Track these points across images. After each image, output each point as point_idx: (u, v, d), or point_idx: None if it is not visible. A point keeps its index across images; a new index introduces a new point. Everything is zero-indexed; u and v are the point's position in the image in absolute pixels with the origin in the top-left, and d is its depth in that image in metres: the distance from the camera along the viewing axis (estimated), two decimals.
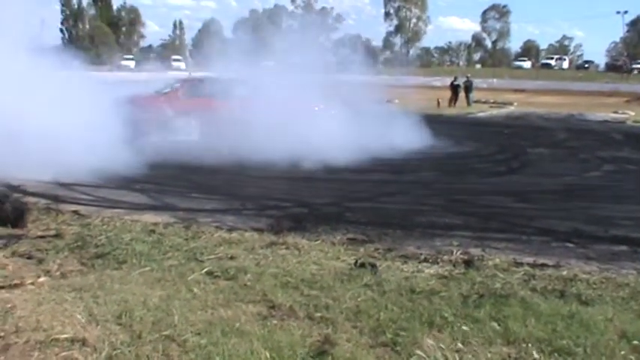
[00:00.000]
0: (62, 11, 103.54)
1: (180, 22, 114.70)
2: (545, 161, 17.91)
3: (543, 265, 7.29)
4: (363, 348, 4.72)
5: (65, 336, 4.70)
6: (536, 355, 4.67)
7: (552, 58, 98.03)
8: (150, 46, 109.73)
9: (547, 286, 6.35)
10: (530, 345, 4.83)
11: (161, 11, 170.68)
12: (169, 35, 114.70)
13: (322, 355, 4.53)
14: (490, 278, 6.55)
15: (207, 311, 5.33)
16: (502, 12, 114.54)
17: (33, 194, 10.50)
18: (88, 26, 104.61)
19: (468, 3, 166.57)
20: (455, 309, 5.53)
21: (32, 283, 5.91)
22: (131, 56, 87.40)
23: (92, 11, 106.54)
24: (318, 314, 5.34)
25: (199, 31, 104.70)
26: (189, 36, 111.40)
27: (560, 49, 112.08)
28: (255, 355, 4.46)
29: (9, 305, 5.30)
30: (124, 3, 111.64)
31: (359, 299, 5.71)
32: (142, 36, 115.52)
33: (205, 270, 6.40)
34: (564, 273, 6.92)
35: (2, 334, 4.76)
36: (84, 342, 4.62)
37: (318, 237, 8.25)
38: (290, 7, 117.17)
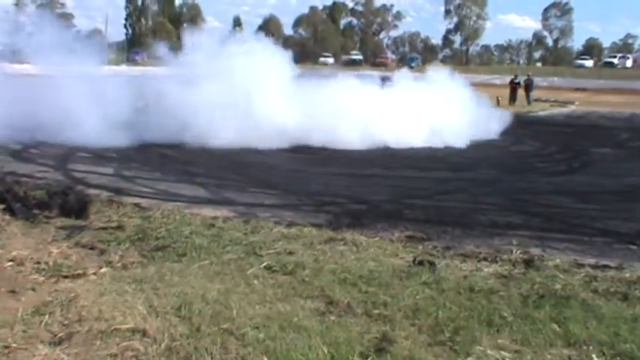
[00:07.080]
0: (126, 7, 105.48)
1: (239, 19, 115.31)
2: (607, 161, 17.59)
3: (605, 267, 7.09)
4: (421, 346, 4.69)
5: (126, 326, 4.78)
6: (597, 359, 4.59)
7: (615, 57, 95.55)
8: None
9: (609, 288, 6.19)
10: (591, 348, 4.75)
11: (221, 8, 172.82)
12: (229, 31, 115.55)
13: (380, 352, 4.52)
14: (550, 279, 6.42)
15: (266, 305, 5.36)
16: (564, 10, 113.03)
17: (96, 186, 10.67)
18: (150, 22, 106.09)
19: (528, 1, 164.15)
20: (514, 309, 5.47)
21: (94, 274, 6.02)
22: None
23: (155, 7, 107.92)
24: (377, 311, 5.33)
25: (259, 27, 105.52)
26: (249, 32, 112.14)
27: (624, 47, 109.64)
28: (313, 351, 4.47)
29: (72, 295, 5.42)
30: None
31: (417, 297, 5.67)
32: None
33: (264, 264, 6.43)
34: (627, 275, 6.71)
35: (66, 322, 4.87)
36: (144, 333, 4.70)
37: (377, 234, 8.20)
38: (350, 4, 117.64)
